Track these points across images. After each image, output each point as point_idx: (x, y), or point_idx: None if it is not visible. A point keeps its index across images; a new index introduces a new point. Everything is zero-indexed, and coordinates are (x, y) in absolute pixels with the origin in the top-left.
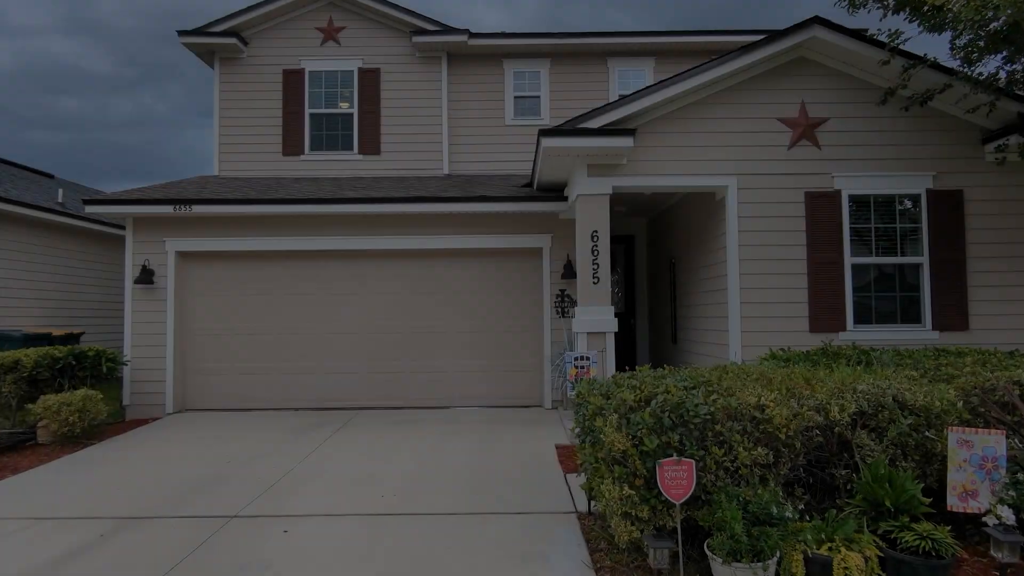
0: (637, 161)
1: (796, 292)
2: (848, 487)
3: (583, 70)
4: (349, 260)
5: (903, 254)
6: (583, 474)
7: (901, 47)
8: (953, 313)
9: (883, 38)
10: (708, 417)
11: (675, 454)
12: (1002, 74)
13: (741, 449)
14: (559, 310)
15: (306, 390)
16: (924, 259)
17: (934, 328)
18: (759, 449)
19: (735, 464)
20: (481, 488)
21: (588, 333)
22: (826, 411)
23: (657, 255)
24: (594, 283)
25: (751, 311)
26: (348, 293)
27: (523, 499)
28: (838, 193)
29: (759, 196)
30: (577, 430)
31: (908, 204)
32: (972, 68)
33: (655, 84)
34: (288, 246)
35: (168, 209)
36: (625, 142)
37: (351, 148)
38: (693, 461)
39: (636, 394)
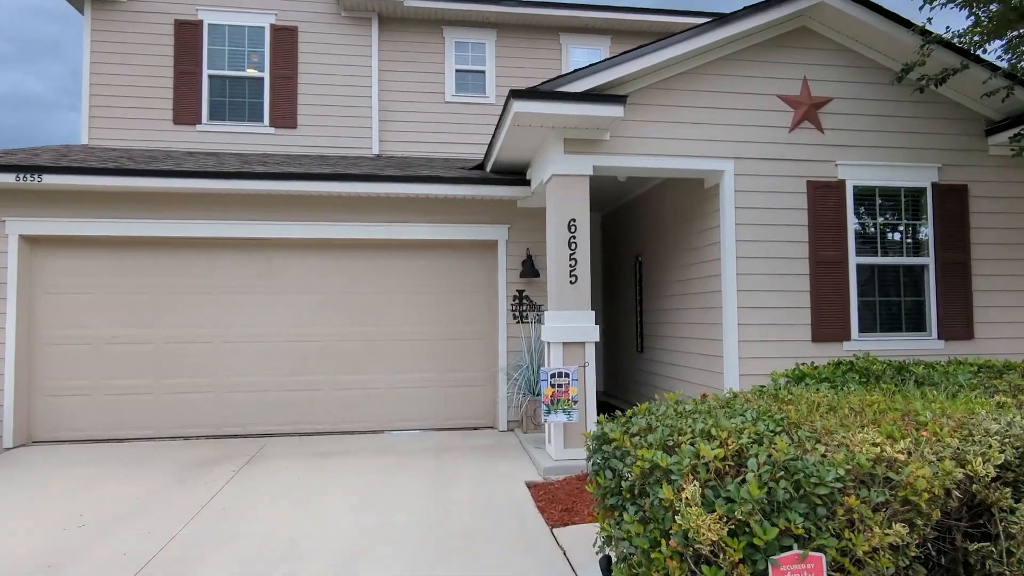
0: (622, 138)
1: (798, 296)
2: (983, 566)
3: (533, 45)
4: (258, 251)
5: (909, 254)
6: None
7: (921, 26)
8: (959, 321)
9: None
10: (837, 485)
11: (794, 544)
12: (1003, 63)
13: (875, 527)
14: (516, 314)
15: (200, 413)
16: (930, 260)
17: (939, 337)
18: (896, 526)
19: (862, 551)
20: (447, 557)
21: (564, 343)
22: (965, 463)
23: (615, 252)
24: (571, 282)
25: (749, 317)
26: (256, 291)
27: (509, 572)
28: (842, 184)
29: (758, 184)
30: (602, 493)
31: (914, 199)
32: (985, 48)
33: (646, 45)
34: (176, 231)
35: (9, 178)
36: (614, 111)
37: (261, 119)
38: (822, 555)
39: (719, 447)
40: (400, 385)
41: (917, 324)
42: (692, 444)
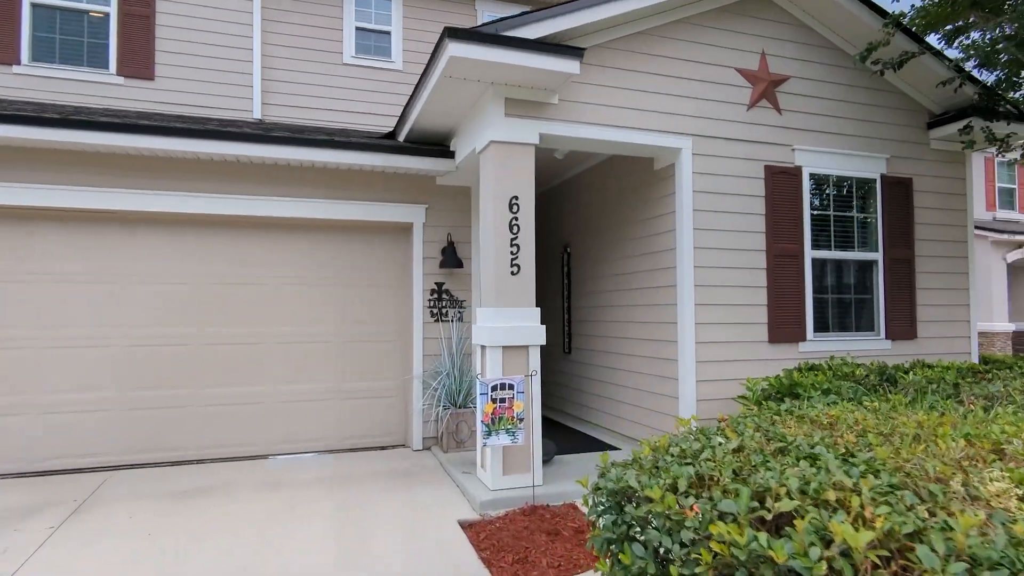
0: (572, 103)
1: (755, 292)
2: None
3: (445, 9)
4: (95, 227)
5: (860, 249)
6: None
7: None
8: (904, 320)
9: None
10: None
11: None
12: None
13: None
14: (435, 312)
15: (8, 443)
16: (879, 256)
17: (887, 336)
18: None
19: None
20: None
21: (503, 348)
22: None
23: (540, 243)
24: (513, 273)
25: (708, 316)
26: (99, 280)
27: None
28: (799, 171)
29: (717, 166)
30: None
31: (865, 190)
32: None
33: None
34: None
35: None
36: (570, 65)
37: (105, 66)
38: None
39: (865, 529)
40: (291, 398)
41: (866, 323)
42: (813, 520)
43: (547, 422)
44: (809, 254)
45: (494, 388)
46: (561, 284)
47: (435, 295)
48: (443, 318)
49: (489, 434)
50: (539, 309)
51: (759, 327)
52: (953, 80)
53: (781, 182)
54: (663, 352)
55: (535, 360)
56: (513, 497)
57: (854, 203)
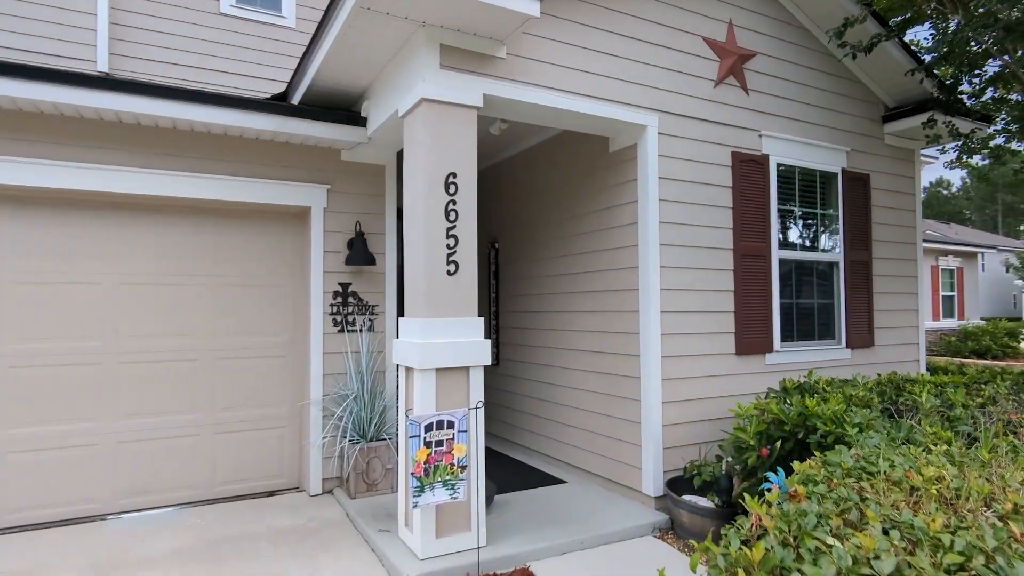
0: (523, 59)
1: (723, 297)
2: None
3: None
4: None
5: (822, 250)
6: None
7: None
8: (862, 327)
9: None
10: None
11: None
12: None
13: None
14: (339, 320)
15: None
16: (840, 257)
17: (847, 345)
18: None
19: None
20: None
21: (437, 370)
22: None
23: None
24: (450, 272)
25: (674, 325)
26: None
27: None
28: (766, 160)
29: (684, 149)
30: None
31: (826, 185)
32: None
33: None
34: None
35: None
36: (528, 6)
37: None
38: None
39: None
40: (143, 434)
41: (827, 331)
42: None
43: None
44: (776, 254)
45: (429, 428)
46: (488, 286)
47: (340, 298)
48: (350, 327)
49: (421, 490)
50: (483, 319)
51: (726, 337)
52: (917, 70)
53: (748, 172)
54: (621, 368)
55: (478, 386)
56: (451, 568)
57: (817, 198)
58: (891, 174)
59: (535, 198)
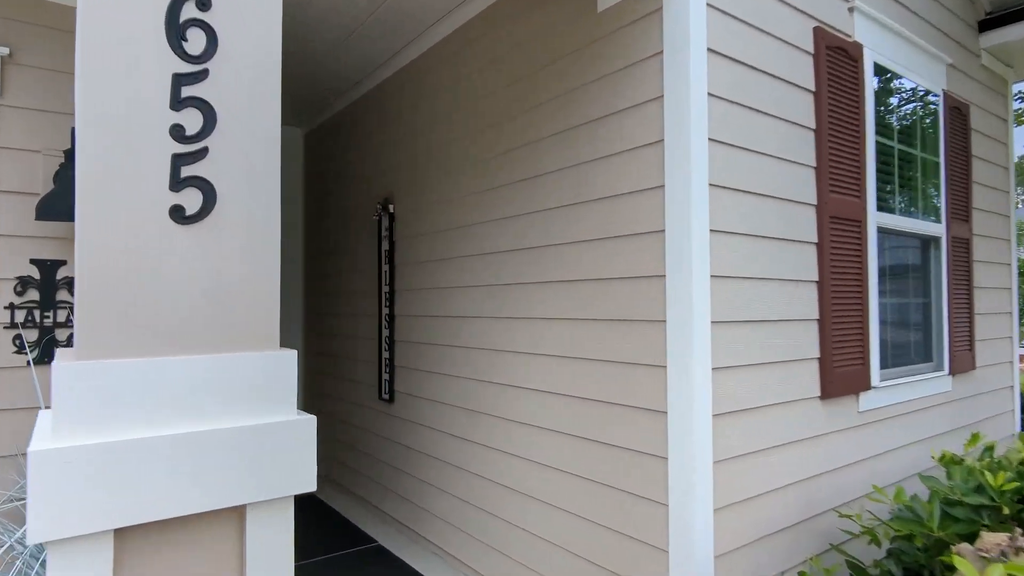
0: None
1: (800, 293)
2: None
3: None
4: None
5: (924, 216)
6: None
7: None
8: (964, 341)
9: None
10: None
11: None
12: None
13: None
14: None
15: None
16: (943, 231)
17: (950, 371)
18: None
19: None
20: None
21: (117, 535)
22: None
23: (332, 202)
24: (182, 214)
25: (731, 346)
26: None
27: None
28: (859, 52)
29: (744, 7)
30: None
31: (926, 115)
32: None
33: None
34: None
35: None
36: None
37: None
38: None
39: None
40: None
41: (920, 348)
42: None
43: (337, 534)
44: (873, 218)
45: None
46: (377, 273)
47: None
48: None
49: None
50: (295, 353)
51: (804, 368)
52: None
53: (838, 68)
54: (627, 433)
55: (285, 554)
56: None
57: (917, 133)
58: (985, 111)
59: (458, 125)
